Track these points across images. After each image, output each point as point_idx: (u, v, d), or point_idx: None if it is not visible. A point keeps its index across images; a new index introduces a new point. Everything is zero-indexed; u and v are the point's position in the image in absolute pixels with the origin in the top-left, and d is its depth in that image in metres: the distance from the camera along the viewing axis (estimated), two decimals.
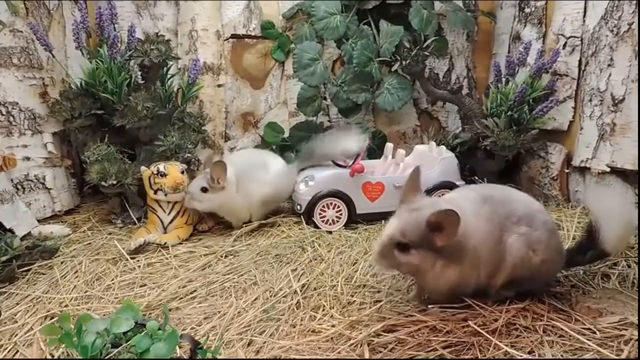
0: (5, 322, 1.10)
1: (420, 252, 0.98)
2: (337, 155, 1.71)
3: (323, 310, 1.10)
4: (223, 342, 0.98)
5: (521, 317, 1.02)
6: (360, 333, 0.97)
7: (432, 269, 1.00)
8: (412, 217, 0.98)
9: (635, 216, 1.08)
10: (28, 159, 1.68)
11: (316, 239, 1.52)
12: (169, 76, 1.83)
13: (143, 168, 1.61)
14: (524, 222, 1.05)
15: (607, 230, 1.06)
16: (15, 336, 1.04)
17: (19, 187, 1.65)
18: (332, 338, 0.98)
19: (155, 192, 1.58)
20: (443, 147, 1.80)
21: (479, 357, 0.91)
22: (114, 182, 1.61)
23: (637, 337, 0.93)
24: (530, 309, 1.06)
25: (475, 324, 0.99)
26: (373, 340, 0.96)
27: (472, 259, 1.01)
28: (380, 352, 0.94)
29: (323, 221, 1.65)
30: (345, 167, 1.69)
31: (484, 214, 1.04)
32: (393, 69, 1.96)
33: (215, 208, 1.62)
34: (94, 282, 1.29)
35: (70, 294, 1.22)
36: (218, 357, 0.85)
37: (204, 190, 1.56)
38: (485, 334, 0.96)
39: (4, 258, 1.29)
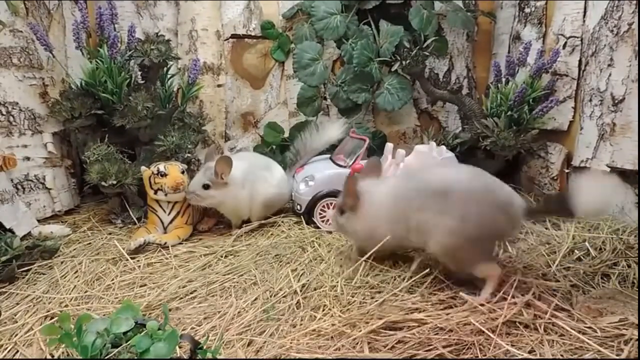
0: (5, 322, 1.10)
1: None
2: (323, 144, 1.80)
3: (323, 310, 1.10)
4: (223, 342, 0.98)
5: (524, 312, 1.02)
6: (360, 331, 0.97)
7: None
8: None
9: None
10: (28, 159, 1.68)
11: (316, 239, 1.52)
12: (169, 76, 1.83)
13: (143, 168, 1.61)
14: None
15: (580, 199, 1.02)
16: (15, 336, 1.04)
17: (19, 187, 1.65)
18: (332, 337, 0.98)
19: (156, 192, 1.58)
20: (443, 147, 1.80)
21: (479, 356, 0.91)
22: (114, 182, 1.61)
23: (637, 337, 0.93)
24: (532, 303, 1.06)
25: (477, 321, 0.98)
26: (373, 338, 0.96)
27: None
28: (380, 350, 0.93)
29: (323, 221, 1.65)
30: (345, 167, 1.69)
31: None
32: (393, 69, 1.96)
33: (217, 204, 1.61)
34: (94, 282, 1.29)
35: (70, 294, 1.22)
36: (218, 357, 0.85)
37: (206, 187, 1.56)
38: (487, 331, 0.96)
39: (4, 258, 1.29)
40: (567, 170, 1.78)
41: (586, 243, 1.34)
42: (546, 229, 1.50)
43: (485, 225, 1.07)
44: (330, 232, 1.60)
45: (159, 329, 0.79)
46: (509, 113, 1.78)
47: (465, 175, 1.14)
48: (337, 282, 1.20)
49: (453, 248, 1.09)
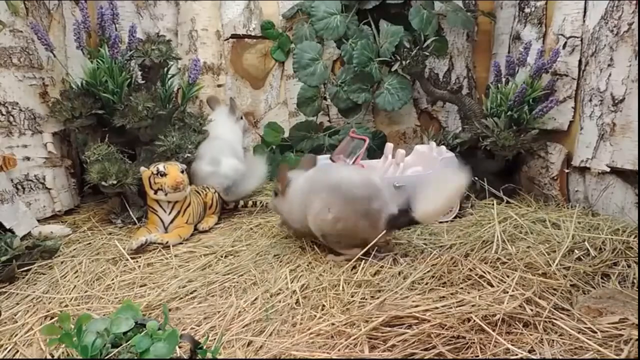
0: (5, 322, 1.10)
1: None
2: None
3: (323, 309, 1.10)
4: (223, 342, 0.98)
5: (526, 307, 1.02)
6: (360, 330, 0.97)
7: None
8: None
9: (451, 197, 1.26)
10: (28, 159, 1.68)
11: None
12: (169, 76, 1.83)
13: (143, 168, 1.60)
14: None
15: (417, 203, 1.26)
16: (15, 336, 1.04)
17: (19, 187, 1.65)
18: (332, 335, 0.98)
19: (156, 192, 1.58)
20: (443, 147, 1.80)
21: (479, 355, 0.91)
22: (114, 182, 1.61)
23: (637, 337, 0.93)
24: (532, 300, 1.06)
25: (477, 316, 0.98)
26: (373, 337, 0.96)
27: None
28: (380, 348, 0.93)
29: None
30: None
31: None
32: (393, 69, 1.96)
33: None
34: (94, 282, 1.29)
35: (70, 294, 1.22)
36: (218, 357, 0.85)
37: None
38: (486, 327, 0.96)
39: (4, 258, 1.29)
40: (567, 170, 1.78)
41: (586, 243, 1.34)
42: (545, 228, 1.50)
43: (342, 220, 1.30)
44: None
45: (159, 329, 0.79)
46: (509, 113, 1.78)
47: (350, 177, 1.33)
48: (337, 282, 1.20)
49: (320, 229, 1.35)
